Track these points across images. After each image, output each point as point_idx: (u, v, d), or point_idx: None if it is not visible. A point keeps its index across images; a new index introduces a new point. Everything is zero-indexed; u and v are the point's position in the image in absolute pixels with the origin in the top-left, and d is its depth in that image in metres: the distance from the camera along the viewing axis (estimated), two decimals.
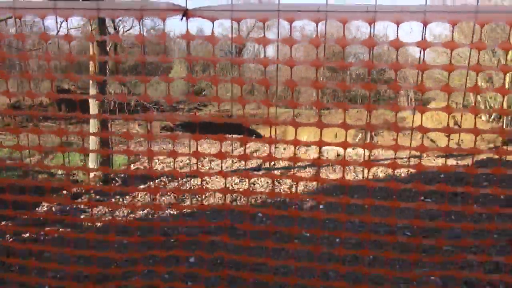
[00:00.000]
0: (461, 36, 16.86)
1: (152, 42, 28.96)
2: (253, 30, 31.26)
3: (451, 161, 9.60)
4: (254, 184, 6.85)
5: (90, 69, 6.89)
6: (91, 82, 7.03)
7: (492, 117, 16.15)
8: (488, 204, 5.07)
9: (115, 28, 8.36)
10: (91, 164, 7.35)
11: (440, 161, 9.53)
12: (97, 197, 6.08)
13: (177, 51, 34.62)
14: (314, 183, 6.59)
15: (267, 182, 6.90)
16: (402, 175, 7.54)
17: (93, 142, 7.42)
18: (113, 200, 6.00)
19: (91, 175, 7.31)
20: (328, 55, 24.87)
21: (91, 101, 7.15)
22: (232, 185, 6.69)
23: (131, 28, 19.30)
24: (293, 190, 6.20)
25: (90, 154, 7.36)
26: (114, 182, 6.64)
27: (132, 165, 8.36)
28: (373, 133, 14.05)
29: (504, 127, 15.68)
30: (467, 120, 15.14)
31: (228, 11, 1.26)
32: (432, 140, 12.36)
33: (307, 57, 25.61)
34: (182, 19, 1.31)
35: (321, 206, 5.43)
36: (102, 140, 7.50)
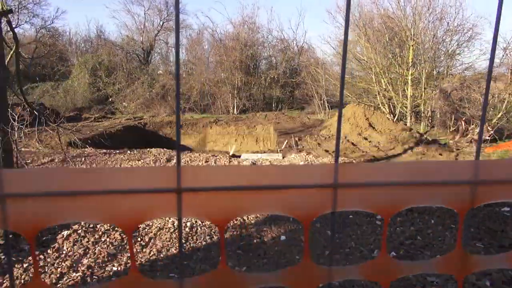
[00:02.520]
0: (366, 43, 18.12)
1: (46, 44, 25.53)
2: (161, 31, 29.72)
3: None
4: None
5: None
6: None
7: (396, 117, 17.70)
8: None
9: (13, 34, 6.81)
10: None
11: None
12: None
13: (75, 53, 31.25)
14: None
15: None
16: None
17: None
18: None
19: None
20: (242, 58, 24.77)
21: None
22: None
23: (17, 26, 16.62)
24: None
25: None
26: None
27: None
28: (296, 139, 14.23)
29: (408, 125, 17.31)
30: (378, 121, 16.33)
31: None
32: (352, 143, 12.92)
33: (221, 60, 25.13)
34: None
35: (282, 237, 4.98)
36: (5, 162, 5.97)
